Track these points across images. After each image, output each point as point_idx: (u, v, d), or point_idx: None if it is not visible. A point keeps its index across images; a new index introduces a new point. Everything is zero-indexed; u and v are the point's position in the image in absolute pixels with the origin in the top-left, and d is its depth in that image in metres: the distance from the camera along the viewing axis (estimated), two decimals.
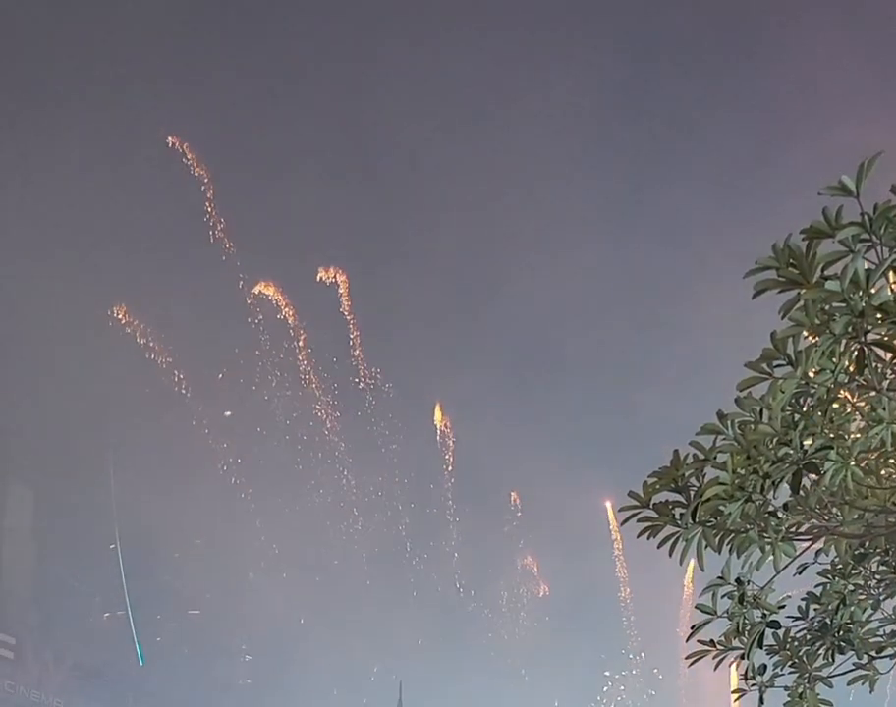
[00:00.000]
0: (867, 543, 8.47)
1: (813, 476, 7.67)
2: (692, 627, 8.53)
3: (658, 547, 8.27)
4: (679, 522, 8.12)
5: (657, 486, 8.15)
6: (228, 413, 64.47)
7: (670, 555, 8.25)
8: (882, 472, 8.17)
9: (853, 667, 8.78)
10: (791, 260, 6.93)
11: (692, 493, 8.06)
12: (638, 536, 8.31)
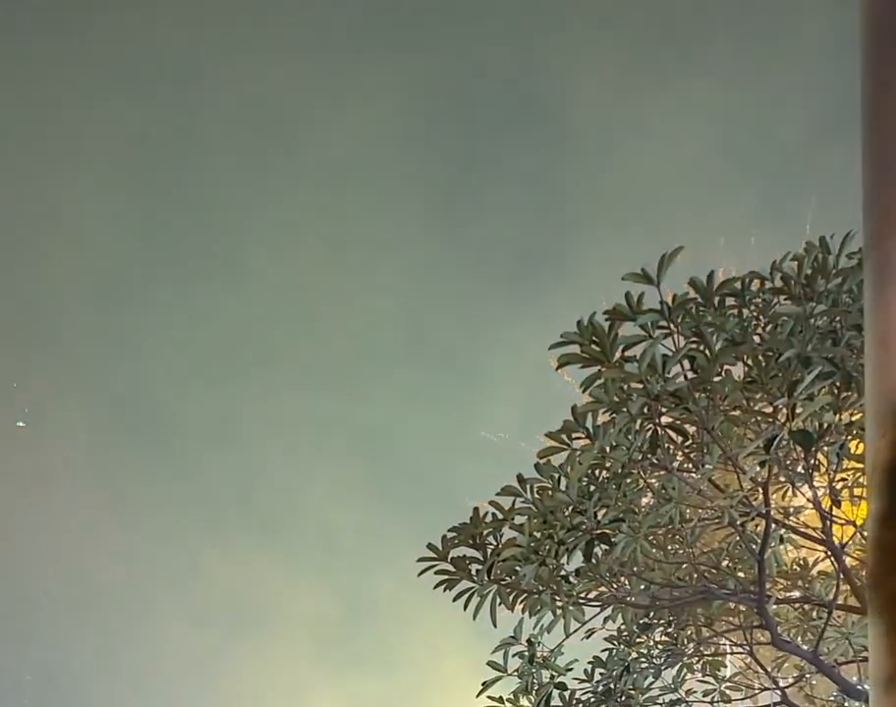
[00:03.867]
0: (651, 614, 8.72)
1: (605, 546, 7.85)
2: (483, 684, 8.64)
3: (454, 600, 8.35)
4: (475, 578, 8.23)
5: (456, 541, 8.24)
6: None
7: (465, 609, 8.34)
8: (669, 548, 8.42)
9: None
10: (594, 338, 7.06)
11: (489, 551, 8.18)
12: (434, 588, 8.37)
